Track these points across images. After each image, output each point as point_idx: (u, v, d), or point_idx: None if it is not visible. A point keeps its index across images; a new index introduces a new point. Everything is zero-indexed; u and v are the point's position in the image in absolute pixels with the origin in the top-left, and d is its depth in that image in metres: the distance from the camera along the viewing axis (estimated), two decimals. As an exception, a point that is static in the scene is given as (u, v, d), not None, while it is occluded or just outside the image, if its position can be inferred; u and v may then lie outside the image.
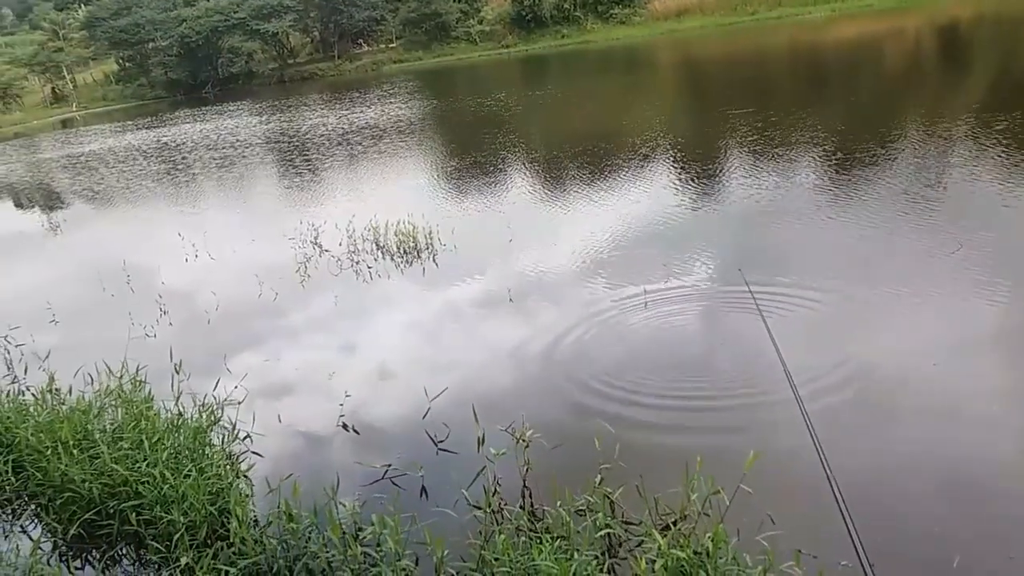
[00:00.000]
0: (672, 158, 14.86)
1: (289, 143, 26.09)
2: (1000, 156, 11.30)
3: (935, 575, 4.06)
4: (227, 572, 4.35)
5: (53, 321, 10.30)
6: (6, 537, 5.35)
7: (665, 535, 4.00)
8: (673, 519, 4.41)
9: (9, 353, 8.95)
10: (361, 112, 31.88)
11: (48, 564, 4.83)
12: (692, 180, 13.14)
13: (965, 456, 5.04)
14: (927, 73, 23.47)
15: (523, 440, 5.08)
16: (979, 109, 14.94)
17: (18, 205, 23.27)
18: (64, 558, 5.10)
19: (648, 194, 12.39)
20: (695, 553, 3.86)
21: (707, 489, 4.27)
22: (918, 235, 8.77)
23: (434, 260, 10.56)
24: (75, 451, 5.47)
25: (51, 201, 22.48)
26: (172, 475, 5.01)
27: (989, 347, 6.38)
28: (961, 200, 9.87)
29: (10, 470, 5.69)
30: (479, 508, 4.72)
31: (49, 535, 5.29)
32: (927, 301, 7.21)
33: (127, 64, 73.99)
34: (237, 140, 29.02)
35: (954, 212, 9.35)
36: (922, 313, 7.01)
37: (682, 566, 3.82)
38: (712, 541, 3.81)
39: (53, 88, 75.37)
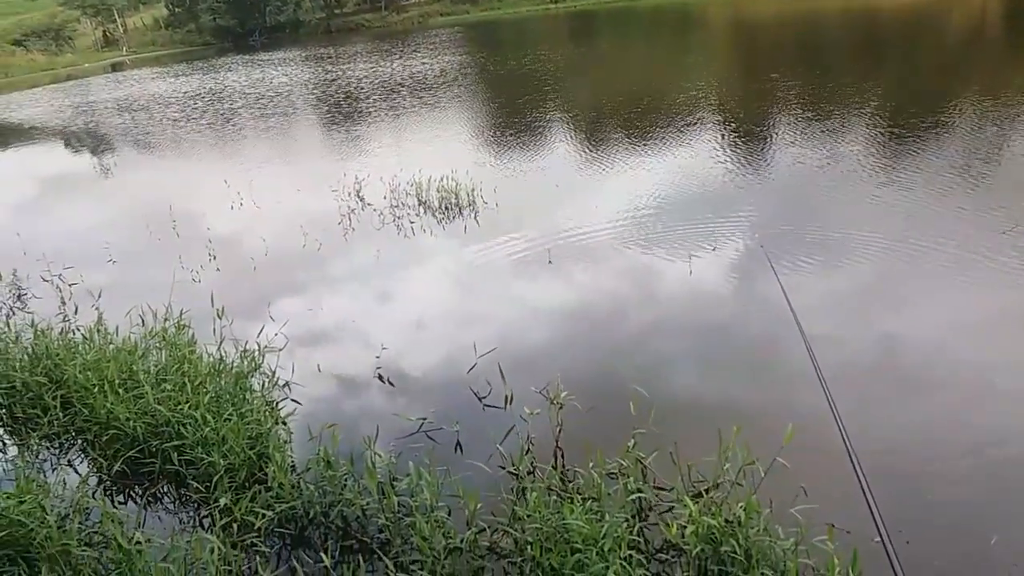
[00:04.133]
0: (718, 121, 14.55)
1: (334, 94, 26.08)
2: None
3: (971, 554, 3.99)
4: (264, 515, 4.45)
5: (106, 262, 10.59)
6: (54, 470, 5.53)
7: (697, 502, 3.99)
8: (705, 487, 4.40)
9: (61, 292, 9.20)
10: (406, 64, 31.71)
11: (93, 498, 4.99)
12: (738, 144, 12.86)
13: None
14: (990, 41, 22.51)
15: (557, 401, 5.08)
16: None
17: (71, 148, 23.70)
18: (108, 492, 5.28)
19: (694, 157, 12.17)
20: (726, 522, 3.85)
21: (741, 459, 4.24)
22: (972, 210, 8.51)
23: (475, 218, 10.53)
24: (120, 390, 5.63)
25: (102, 145, 22.83)
26: (213, 418, 5.13)
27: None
28: (1019, 178, 9.52)
29: (58, 405, 5.86)
30: (512, 466, 4.76)
31: (95, 470, 5.48)
32: (974, 278, 7.00)
33: (176, 9, 74.51)
34: (283, 89, 29.11)
35: (1011, 190, 9.02)
36: (970, 290, 6.83)
37: (712, 533, 3.82)
38: (744, 511, 3.79)
39: (104, 31, 76.23)
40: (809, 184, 10.36)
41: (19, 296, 9.58)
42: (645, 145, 13.55)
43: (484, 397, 5.88)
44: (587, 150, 14.16)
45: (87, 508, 4.82)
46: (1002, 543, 3.95)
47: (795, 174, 10.85)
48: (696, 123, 14.55)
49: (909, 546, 3.90)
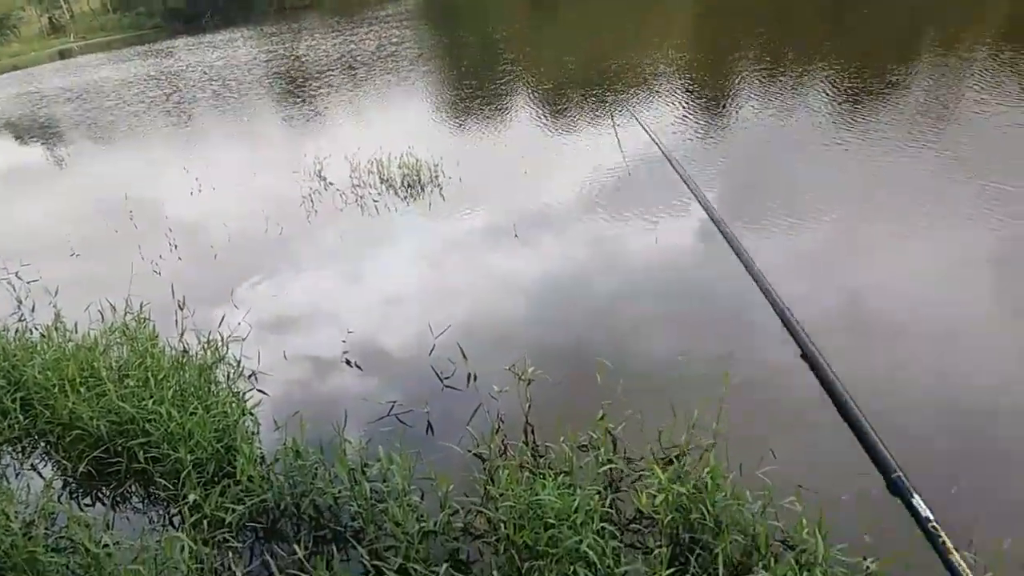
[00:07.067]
0: (686, 89, 14.46)
1: (291, 73, 25.59)
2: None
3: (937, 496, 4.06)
4: (234, 509, 4.40)
5: (68, 256, 10.34)
6: (17, 475, 5.42)
7: (666, 470, 4.01)
8: (676, 454, 4.43)
9: (16, 290, 8.97)
10: (364, 40, 31.15)
11: (59, 501, 4.90)
12: (706, 111, 12.81)
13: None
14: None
15: (525, 377, 5.06)
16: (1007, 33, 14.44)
17: (20, 139, 23.04)
18: (74, 495, 5.18)
19: (658, 125, 12.11)
20: (695, 488, 3.87)
21: (712, 426, 4.27)
22: (933, 163, 8.59)
23: (440, 193, 10.42)
24: (82, 389, 5.51)
25: (53, 135, 22.23)
26: (178, 413, 5.04)
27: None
28: (974, 129, 9.61)
29: (18, 408, 5.74)
30: (482, 446, 4.75)
31: (59, 473, 5.38)
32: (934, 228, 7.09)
33: (124, -8, 72.44)
34: (239, 70, 28.49)
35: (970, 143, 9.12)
36: (927, 240, 6.91)
37: (682, 501, 3.84)
38: (711, 477, 3.82)
39: (50, 18, 73.98)
40: (774, 143, 10.36)
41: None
42: (612, 111, 13.46)
43: (448, 377, 5.84)
44: (551, 120, 14.04)
45: (53, 513, 4.73)
46: (961, 490, 4.01)
47: (762, 132, 10.84)
48: (667, 88, 14.47)
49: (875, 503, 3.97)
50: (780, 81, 13.43)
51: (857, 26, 18.11)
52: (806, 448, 4.55)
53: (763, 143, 10.49)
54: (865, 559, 3.49)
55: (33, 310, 8.30)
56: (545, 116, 14.31)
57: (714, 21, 24.10)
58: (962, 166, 8.29)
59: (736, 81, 14.22)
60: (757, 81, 13.72)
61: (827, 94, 12.04)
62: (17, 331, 7.08)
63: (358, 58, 25.97)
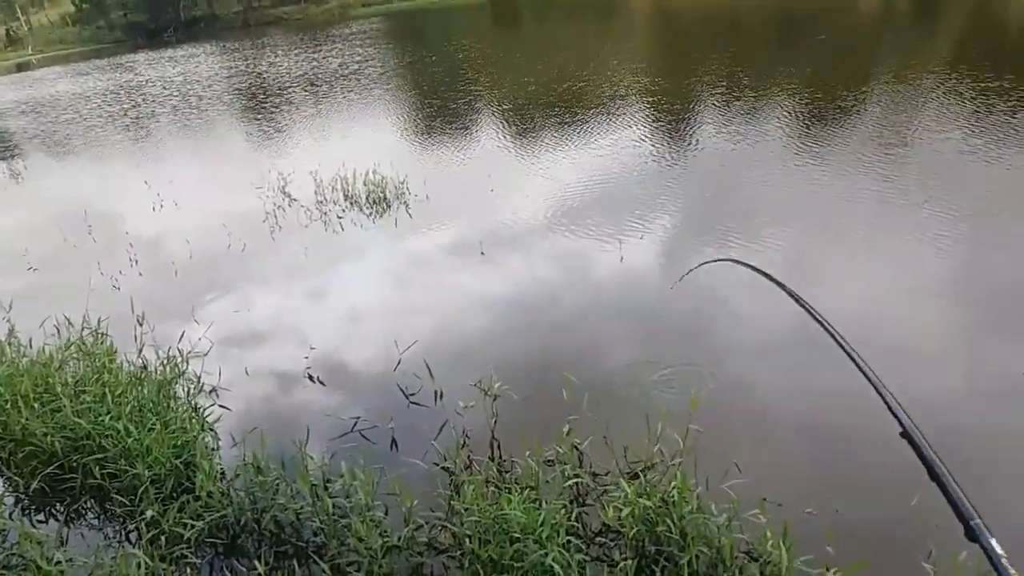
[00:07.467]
0: (645, 111, 14.68)
1: (253, 89, 25.44)
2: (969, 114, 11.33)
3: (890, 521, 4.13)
4: (193, 525, 4.31)
5: (23, 271, 10.11)
6: (-32, 492, 5.25)
7: (632, 484, 4.03)
8: (641, 468, 4.45)
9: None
10: (327, 57, 31.13)
11: (10, 518, 4.75)
12: (665, 132, 13.03)
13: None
14: (896, 25, 23.37)
15: (491, 393, 5.05)
16: (952, 63, 14.94)
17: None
18: (27, 512, 5.03)
19: (618, 146, 12.27)
20: (662, 501, 3.89)
21: (677, 439, 4.30)
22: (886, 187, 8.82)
23: (407, 211, 10.41)
24: (36, 404, 5.37)
25: (9, 149, 21.75)
26: (136, 429, 4.93)
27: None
28: (927, 155, 9.90)
29: (-31, 425, 5.56)
30: (447, 460, 4.72)
31: (11, 489, 5.22)
32: (889, 250, 7.26)
33: (84, 5, 71.37)
34: (200, 85, 28.24)
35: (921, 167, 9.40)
36: (883, 261, 7.07)
37: (648, 514, 3.86)
38: (678, 491, 3.84)
39: (7, 30, 72.61)
40: (734, 165, 10.55)
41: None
42: (573, 132, 13.60)
43: (413, 394, 5.80)
44: (515, 139, 14.15)
45: (4, 529, 4.59)
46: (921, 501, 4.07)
47: (723, 156, 11.03)
48: (627, 109, 14.67)
49: (838, 515, 4.03)
50: (735, 106, 13.71)
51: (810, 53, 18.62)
52: (771, 461, 4.60)
53: (717, 167, 10.68)
54: (828, 569, 3.54)
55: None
56: (509, 136, 14.41)
57: (674, 47, 24.57)
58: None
59: (693, 105, 14.50)
60: (713, 105, 13.99)
61: (781, 119, 12.32)
62: (-31, 346, 6.86)
63: (321, 76, 25.91)
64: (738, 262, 2.97)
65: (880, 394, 1.62)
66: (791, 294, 2.23)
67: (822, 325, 1.92)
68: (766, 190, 9.39)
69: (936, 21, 22.54)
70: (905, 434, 1.54)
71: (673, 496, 3.84)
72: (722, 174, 10.33)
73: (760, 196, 9.21)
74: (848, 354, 1.82)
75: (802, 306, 2.09)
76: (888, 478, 4.25)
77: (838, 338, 1.86)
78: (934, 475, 1.43)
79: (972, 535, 1.34)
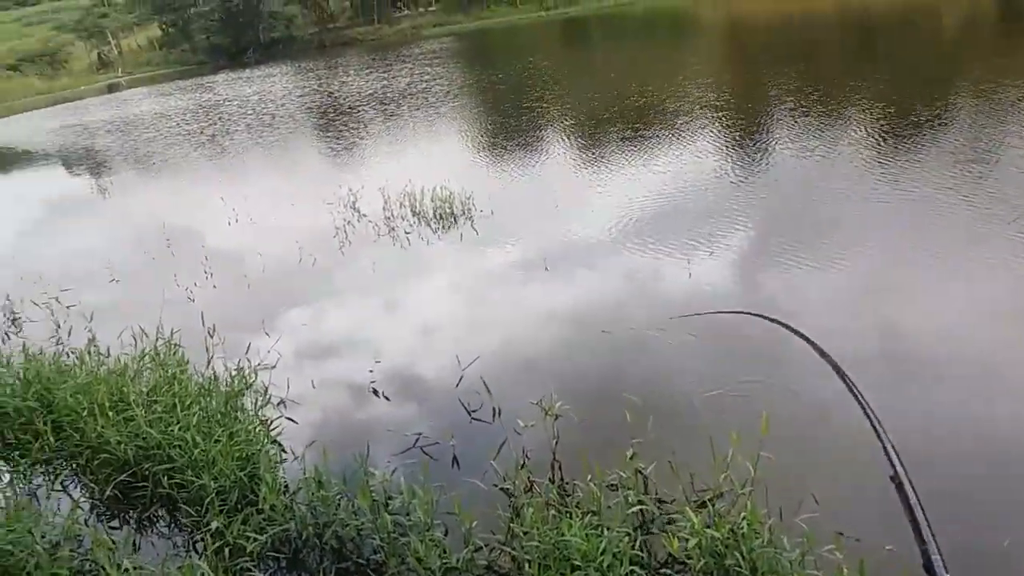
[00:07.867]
0: (712, 126, 14.43)
1: (327, 108, 26.06)
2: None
3: (986, 554, 3.87)
4: (256, 538, 4.34)
5: (108, 282, 10.51)
6: (47, 496, 5.42)
7: (699, 513, 3.88)
8: (709, 496, 4.29)
9: (55, 315, 9.08)
10: (399, 77, 31.69)
11: (86, 524, 4.88)
12: (736, 146, 12.77)
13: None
14: (982, 36, 22.46)
15: (552, 413, 4.96)
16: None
17: (67, 169, 23.65)
18: (102, 518, 5.17)
19: (692, 160, 12.08)
20: (731, 532, 3.73)
21: (748, 466, 4.13)
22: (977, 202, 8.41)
23: (472, 226, 10.44)
24: (111, 413, 5.52)
25: (99, 166, 22.77)
26: (203, 440, 5.02)
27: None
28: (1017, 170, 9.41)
29: (50, 430, 5.76)
30: (507, 481, 4.65)
31: (87, 495, 5.37)
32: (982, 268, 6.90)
33: (170, 30, 74.56)
34: (277, 105, 29.09)
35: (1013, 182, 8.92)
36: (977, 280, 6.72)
37: (716, 546, 3.70)
38: (748, 522, 3.68)
39: (99, 54, 76.30)
40: (807, 184, 10.24)
41: (13, 320, 9.49)
42: (642, 149, 13.45)
43: (475, 411, 5.76)
44: (583, 155, 14.08)
45: (79, 535, 4.71)
46: (1015, 544, 3.82)
47: (794, 172, 10.73)
48: (693, 125, 14.46)
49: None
50: (805, 120, 13.34)
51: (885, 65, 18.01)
52: (849, 496, 4.38)
53: (796, 182, 10.38)
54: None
55: (70, 334, 8.36)
56: (574, 151, 14.35)
57: (741, 63, 24.15)
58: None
59: (762, 120, 14.18)
60: (783, 121, 13.65)
61: (856, 133, 11.92)
62: (53, 355, 7.14)
63: (394, 94, 26.37)
64: (755, 315, 2.83)
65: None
66: (817, 348, 2.09)
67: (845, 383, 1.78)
68: (847, 204, 9.06)
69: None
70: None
71: (743, 528, 3.68)
72: (797, 190, 10.03)
73: (843, 213, 8.88)
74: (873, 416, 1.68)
75: (824, 357, 1.95)
76: (978, 513, 4.01)
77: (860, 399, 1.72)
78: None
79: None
